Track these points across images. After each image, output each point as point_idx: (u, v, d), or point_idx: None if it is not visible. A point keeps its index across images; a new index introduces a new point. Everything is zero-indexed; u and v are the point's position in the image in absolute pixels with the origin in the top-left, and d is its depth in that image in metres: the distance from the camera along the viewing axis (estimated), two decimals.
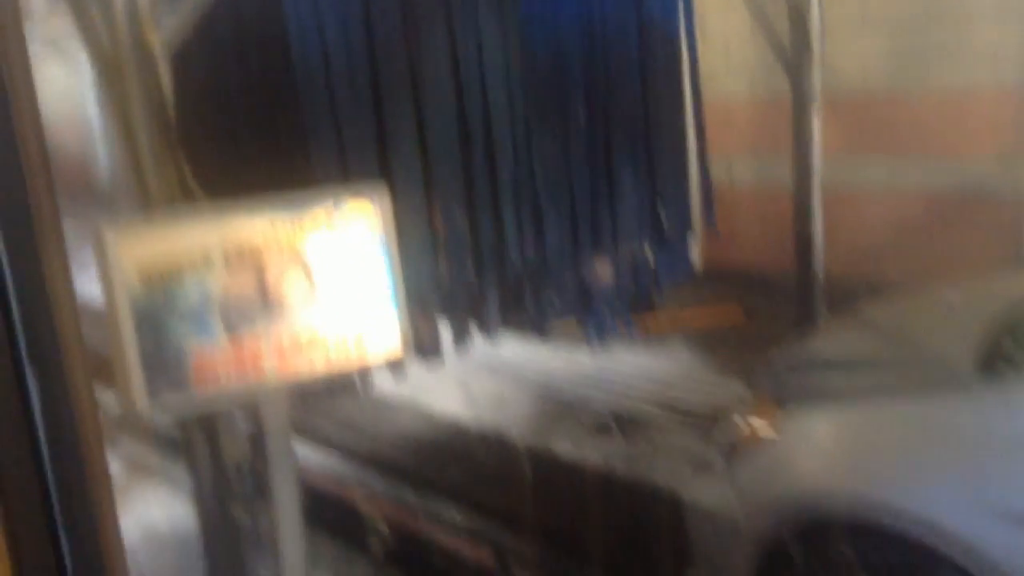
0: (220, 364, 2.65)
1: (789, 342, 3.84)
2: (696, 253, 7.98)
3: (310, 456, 5.18)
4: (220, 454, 3.58)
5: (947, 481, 2.60)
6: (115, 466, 5.35)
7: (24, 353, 1.41)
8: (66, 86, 10.71)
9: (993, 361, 2.85)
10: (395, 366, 4.44)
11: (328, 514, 4.48)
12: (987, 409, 2.66)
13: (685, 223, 5.38)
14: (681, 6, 5.25)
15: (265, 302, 2.72)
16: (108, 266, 2.51)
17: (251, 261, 2.71)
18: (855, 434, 2.93)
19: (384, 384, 5.89)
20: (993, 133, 5.98)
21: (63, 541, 1.54)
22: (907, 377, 3.03)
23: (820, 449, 2.97)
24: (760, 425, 3.10)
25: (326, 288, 2.80)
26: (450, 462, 5.02)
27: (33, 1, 4.55)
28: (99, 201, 10.99)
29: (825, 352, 3.61)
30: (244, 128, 4.08)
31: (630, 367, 6.22)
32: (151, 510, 4.83)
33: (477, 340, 5.20)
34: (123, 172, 3.19)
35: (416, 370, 5.98)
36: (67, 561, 1.55)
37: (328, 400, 5.49)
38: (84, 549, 1.60)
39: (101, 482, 1.62)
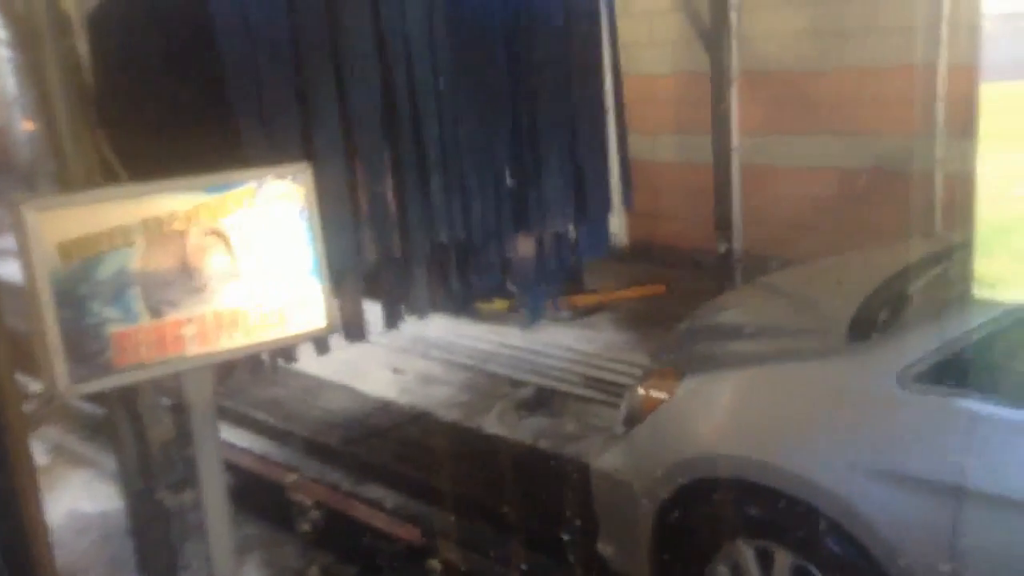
0: (142, 341, 2.65)
1: (691, 314, 3.99)
2: (622, 230, 8.11)
3: (238, 439, 5.16)
4: (145, 436, 3.55)
5: (822, 442, 2.77)
6: (42, 453, 5.27)
7: None
8: None
9: (867, 330, 3.03)
10: (318, 341, 4.45)
11: (257, 497, 4.47)
12: (855, 373, 2.83)
13: (606, 201, 5.46)
14: None
15: (187, 280, 2.72)
16: (28, 244, 2.49)
17: (173, 239, 2.71)
18: (740, 399, 3.11)
19: (312, 364, 5.89)
20: (905, 111, 6.18)
21: None
22: (789, 344, 3.23)
23: (709, 413, 3.13)
24: (658, 393, 3.25)
25: (248, 265, 2.81)
26: (379, 441, 5.04)
27: None
28: (18, 175, 10.69)
29: (718, 321, 3.81)
30: (164, 101, 4.02)
31: (557, 346, 6.30)
32: (79, 497, 4.77)
33: (406, 319, 5.23)
34: (42, 145, 3.13)
35: (345, 350, 6.01)
36: None
37: (242, 379, 5.45)
38: (8, 535, 1.61)
39: (24, 467, 1.62)
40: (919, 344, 2.70)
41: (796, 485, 2.74)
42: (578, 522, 3.88)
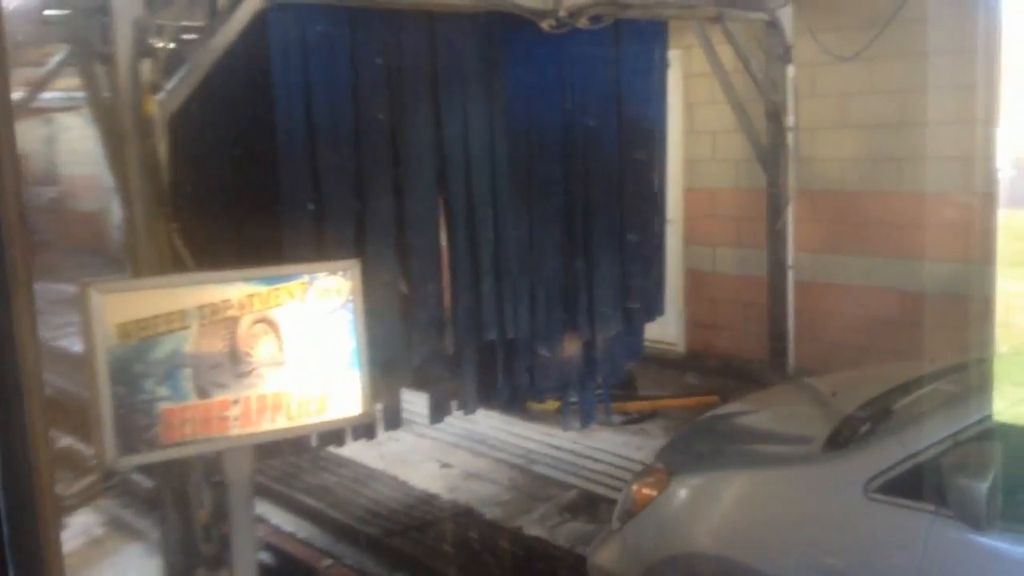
0: (188, 419, 2.83)
1: (699, 415, 4.11)
2: (680, 339, 8.17)
3: (285, 522, 5.28)
4: (189, 512, 3.71)
5: (794, 546, 2.92)
6: (98, 525, 5.49)
7: None
8: (89, 143, 10.98)
9: (843, 441, 3.16)
10: (357, 428, 4.61)
11: None
12: (825, 482, 2.99)
13: (650, 309, 5.57)
14: (657, 101, 5.52)
15: (235, 363, 2.91)
16: (91, 323, 2.70)
17: (225, 325, 2.90)
18: (720, 500, 3.26)
19: (364, 453, 6.03)
20: (961, 237, 6.20)
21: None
22: (773, 450, 3.42)
23: (691, 513, 3.29)
24: (649, 491, 3.38)
25: (294, 353, 2.99)
26: (419, 534, 5.11)
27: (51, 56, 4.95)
28: (111, 258, 11.23)
29: (719, 424, 3.97)
30: (234, 198, 4.30)
31: (606, 451, 6.32)
32: (127, 570, 4.91)
33: (454, 414, 5.37)
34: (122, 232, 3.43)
35: (397, 441, 6.14)
36: None
37: (280, 457, 5.60)
38: None
39: (49, 527, 1.72)
40: (883, 457, 2.84)
41: None
42: None
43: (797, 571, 2.82)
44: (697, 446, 3.72)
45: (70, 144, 13.20)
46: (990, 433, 2.72)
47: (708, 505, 3.26)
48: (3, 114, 1.60)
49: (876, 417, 3.24)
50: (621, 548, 3.39)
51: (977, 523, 2.51)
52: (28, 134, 9.92)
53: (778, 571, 2.85)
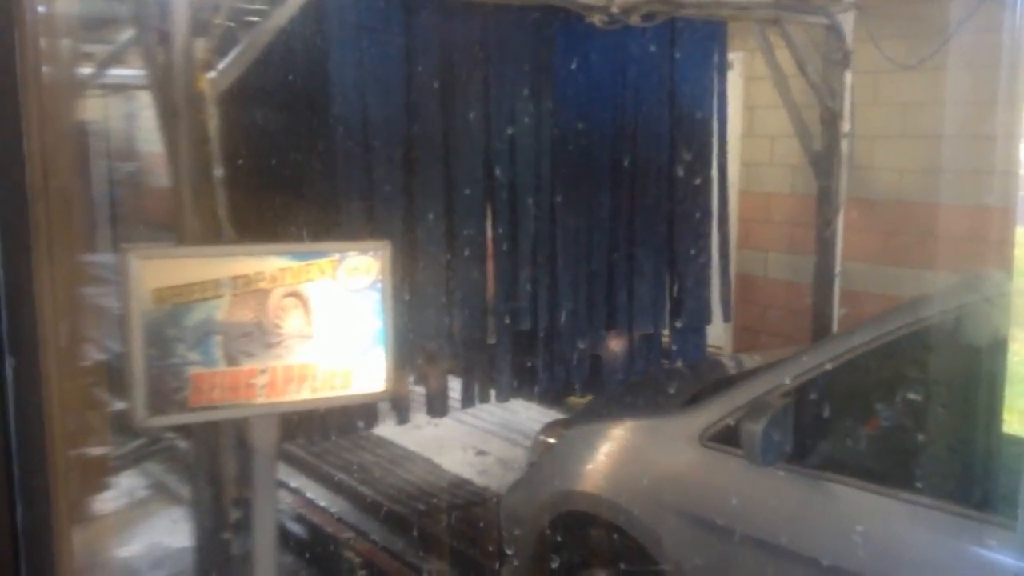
0: (217, 384, 2.93)
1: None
2: (727, 342, 8.13)
3: (318, 495, 5.42)
4: (220, 477, 3.83)
5: (646, 486, 3.33)
6: (142, 488, 5.69)
7: (5, 343, 1.65)
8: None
9: (700, 399, 3.54)
10: (400, 411, 4.69)
11: (314, 548, 4.71)
12: (671, 432, 3.41)
13: (704, 311, 5.56)
14: (715, 104, 5.51)
15: (264, 334, 3.00)
16: (128, 286, 2.82)
17: (257, 297, 3.00)
18: (593, 446, 3.69)
19: (403, 436, 6.14)
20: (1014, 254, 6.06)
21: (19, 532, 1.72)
22: (648, 405, 3.88)
23: (572, 458, 3.74)
24: (550, 439, 3.83)
25: (321, 327, 3.08)
26: (446, 517, 5.19)
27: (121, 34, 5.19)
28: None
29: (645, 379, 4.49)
30: (284, 178, 4.41)
31: None
32: (165, 531, 5.09)
33: (488, 401, 5.43)
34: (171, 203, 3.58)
35: (436, 427, 6.24)
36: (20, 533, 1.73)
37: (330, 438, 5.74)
38: (38, 538, 1.82)
39: (59, 471, 1.81)
40: (716, 411, 3.23)
41: (632, 524, 3.29)
42: None
43: (648, 509, 3.26)
44: (611, 399, 4.27)
45: (150, 121, 13.57)
46: (796, 390, 3.01)
47: (584, 450, 3.69)
48: (33, 79, 1.70)
49: (741, 379, 3.57)
50: (525, 489, 3.88)
51: (755, 460, 2.82)
52: (109, 110, 10.24)
53: (633, 506, 3.31)
